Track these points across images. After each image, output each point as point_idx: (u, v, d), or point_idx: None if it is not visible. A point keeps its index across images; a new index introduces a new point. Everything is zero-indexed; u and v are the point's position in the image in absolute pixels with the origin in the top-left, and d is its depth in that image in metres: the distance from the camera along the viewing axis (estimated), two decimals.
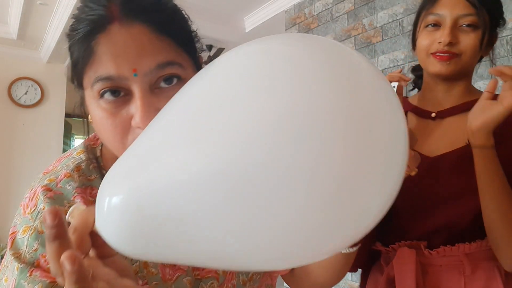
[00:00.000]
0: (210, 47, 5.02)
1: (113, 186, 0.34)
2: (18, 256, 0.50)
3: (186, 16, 0.54)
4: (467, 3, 0.74)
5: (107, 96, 0.46)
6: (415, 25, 0.86)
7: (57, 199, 0.52)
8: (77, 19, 0.49)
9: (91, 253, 0.37)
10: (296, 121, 0.28)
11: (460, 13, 0.75)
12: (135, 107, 0.45)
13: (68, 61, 3.90)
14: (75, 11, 0.50)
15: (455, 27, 0.75)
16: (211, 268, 0.55)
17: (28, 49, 4.72)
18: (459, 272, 0.74)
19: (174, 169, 0.31)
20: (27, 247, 0.50)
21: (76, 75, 0.50)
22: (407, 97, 0.91)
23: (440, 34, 0.76)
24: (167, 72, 0.46)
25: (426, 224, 0.78)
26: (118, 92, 0.46)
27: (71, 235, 0.34)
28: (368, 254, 0.88)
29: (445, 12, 0.76)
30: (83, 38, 0.47)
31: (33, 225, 0.51)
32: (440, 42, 0.76)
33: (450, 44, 0.75)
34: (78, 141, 7.93)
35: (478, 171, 0.70)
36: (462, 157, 0.74)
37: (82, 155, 0.58)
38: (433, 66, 0.78)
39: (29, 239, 0.50)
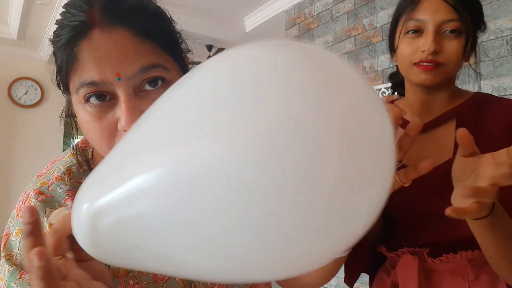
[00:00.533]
0: (210, 47, 5.02)
1: (86, 195, 0.34)
2: (9, 258, 0.50)
3: (169, 17, 0.52)
4: (450, 8, 0.70)
5: (93, 100, 0.46)
6: (393, 30, 0.80)
7: (48, 202, 0.52)
8: (60, 25, 0.48)
9: (70, 255, 0.37)
10: (284, 128, 0.27)
11: (443, 18, 0.70)
12: (120, 111, 0.45)
13: None
14: (59, 16, 0.49)
15: (438, 34, 0.71)
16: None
17: (28, 49, 4.71)
18: (463, 277, 0.73)
19: (146, 179, 0.30)
20: (19, 249, 0.50)
21: (62, 81, 0.50)
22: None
23: (423, 41, 0.71)
24: (150, 75, 0.46)
25: (426, 236, 0.77)
26: (104, 96, 0.46)
27: (51, 236, 0.35)
28: (370, 260, 0.87)
29: (427, 17, 0.71)
30: (65, 44, 0.46)
31: None
32: (423, 50, 0.71)
33: (434, 52, 0.70)
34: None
35: (476, 238, 0.62)
36: (450, 170, 0.71)
37: (73, 157, 0.58)
38: (417, 76, 0.73)
39: (21, 241, 0.50)
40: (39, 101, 4.88)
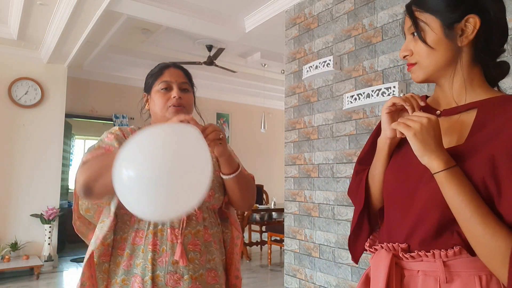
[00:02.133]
0: (210, 47, 5.02)
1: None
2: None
3: (192, 77, 1.32)
4: (408, 17, 0.84)
5: (163, 90, 1.22)
6: None
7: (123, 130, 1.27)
8: (154, 68, 1.29)
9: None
10: (170, 157, 0.88)
11: (407, 27, 0.85)
12: (173, 92, 1.21)
13: (68, 61, 3.91)
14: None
15: (411, 40, 0.84)
16: None
17: (28, 49, 4.71)
18: (436, 279, 0.74)
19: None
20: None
21: (148, 88, 1.27)
22: (427, 96, 0.93)
23: None
24: (185, 85, 1.25)
25: (404, 224, 0.79)
26: (167, 89, 1.22)
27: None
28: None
29: (404, 30, 0.87)
30: (158, 71, 1.26)
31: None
32: None
33: (406, 56, 0.85)
34: (78, 141, 7.92)
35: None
36: (456, 155, 0.75)
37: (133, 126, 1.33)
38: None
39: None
40: (39, 101, 4.88)
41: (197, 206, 1.15)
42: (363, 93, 2.47)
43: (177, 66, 1.28)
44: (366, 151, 0.97)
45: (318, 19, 2.95)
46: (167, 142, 0.91)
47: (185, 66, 1.30)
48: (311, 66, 2.84)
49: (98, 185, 1.02)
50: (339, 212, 2.63)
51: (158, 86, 1.21)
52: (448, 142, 0.79)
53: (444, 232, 0.74)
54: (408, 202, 0.79)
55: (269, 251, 5.30)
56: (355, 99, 2.52)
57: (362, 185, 0.91)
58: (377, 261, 0.81)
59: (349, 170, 2.60)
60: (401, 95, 0.86)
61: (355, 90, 2.60)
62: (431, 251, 0.74)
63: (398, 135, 0.81)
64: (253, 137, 7.42)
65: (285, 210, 3.12)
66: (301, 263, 2.92)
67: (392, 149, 0.86)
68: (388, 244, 0.81)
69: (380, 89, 2.36)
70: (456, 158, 0.73)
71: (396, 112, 0.85)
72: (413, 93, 0.85)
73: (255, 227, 6.06)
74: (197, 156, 0.92)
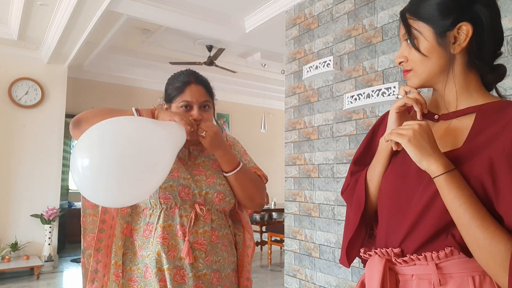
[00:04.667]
0: (210, 47, 5.02)
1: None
2: None
3: (212, 88, 1.34)
4: (403, 26, 0.85)
5: (183, 108, 1.25)
6: None
7: None
8: (175, 78, 1.30)
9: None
10: (133, 146, 0.98)
11: (401, 35, 0.86)
12: (193, 112, 1.24)
13: (68, 61, 3.91)
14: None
15: (407, 47, 0.84)
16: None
17: (28, 49, 4.71)
18: (430, 283, 0.74)
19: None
20: None
21: (169, 100, 1.28)
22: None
23: None
24: (205, 103, 1.27)
25: (401, 228, 0.79)
26: (187, 107, 1.25)
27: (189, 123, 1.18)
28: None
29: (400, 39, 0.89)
30: (180, 86, 1.26)
31: None
32: None
33: (401, 63, 0.86)
34: None
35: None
36: (454, 158, 0.75)
37: None
38: None
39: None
40: (39, 102, 4.88)
41: (206, 207, 1.20)
42: (363, 93, 2.47)
43: (199, 81, 1.27)
44: (361, 151, 0.96)
45: (318, 19, 2.94)
46: (120, 131, 1.00)
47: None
48: (311, 66, 2.84)
49: (86, 124, 1.10)
50: (339, 212, 2.63)
51: (179, 103, 1.24)
52: (445, 146, 0.79)
53: (440, 236, 0.74)
54: (406, 206, 0.79)
55: (269, 251, 5.31)
56: (355, 99, 2.52)
57: (360, 186, 0.90)
58: (371, 267, 0.81)
59: None
60: (398, 96, 0.87)
61: (355, 90, 2.60)
62: (422, 254, 0.74)
63: (394, 147, 0.83)
64: (253, 137, 7.42)
65: (285, 210, 3.13)
66: (301, 263, 2.92)
67: (394, 150, 0.86)
68: (381, 250, 0.81)
69: (380, 89, 2.36)
70: (454, 162, 0.73)
71: (404, 112, 0.86)
72: (419, 92, 0.85)
73: (255, 227, 6.06)
74: (152, 145, 1.01)
